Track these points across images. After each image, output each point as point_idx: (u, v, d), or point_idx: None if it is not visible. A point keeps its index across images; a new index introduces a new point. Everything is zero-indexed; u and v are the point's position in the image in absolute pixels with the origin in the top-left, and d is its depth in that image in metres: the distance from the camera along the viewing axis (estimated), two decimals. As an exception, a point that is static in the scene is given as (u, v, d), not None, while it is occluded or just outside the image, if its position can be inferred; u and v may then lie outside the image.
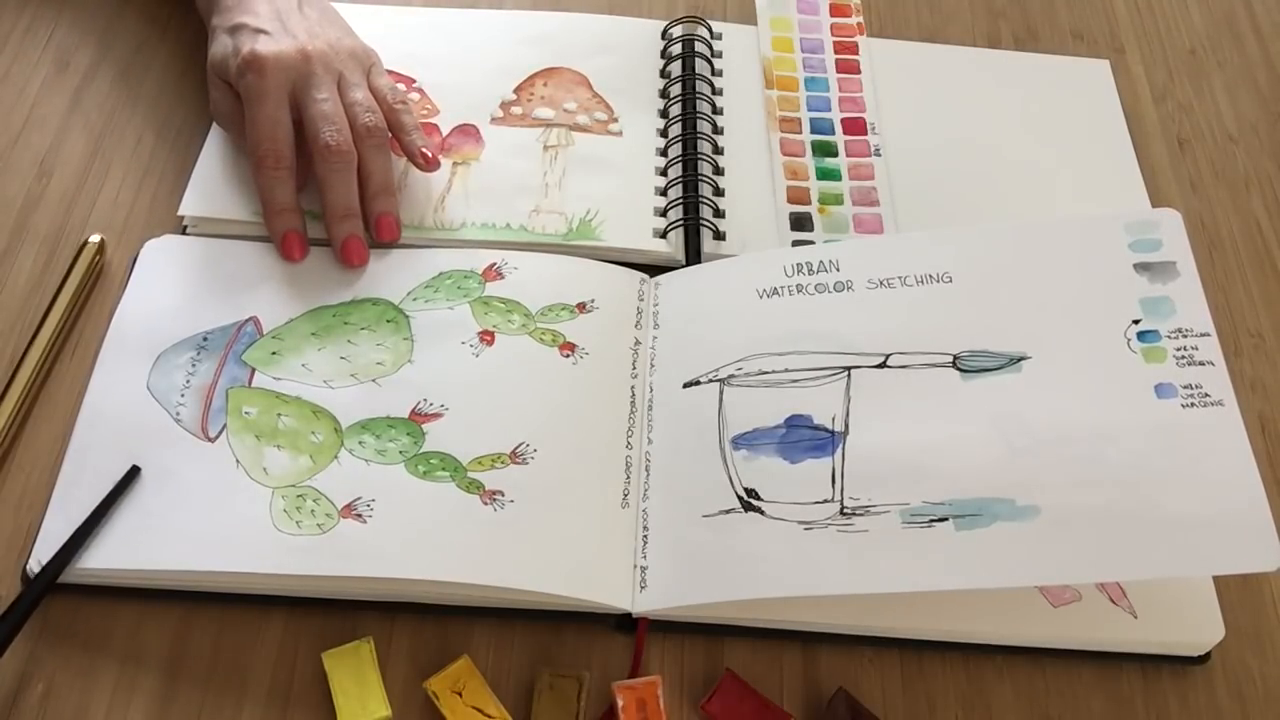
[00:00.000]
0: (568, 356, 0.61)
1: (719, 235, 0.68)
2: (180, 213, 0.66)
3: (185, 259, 0.64)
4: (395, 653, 0.54)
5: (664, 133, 0.73)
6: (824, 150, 0.73)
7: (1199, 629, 0.56)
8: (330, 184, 0.63)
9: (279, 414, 0.58)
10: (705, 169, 0.70)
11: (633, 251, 0.67)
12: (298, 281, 0.63)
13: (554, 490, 0.56)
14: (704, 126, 0.72)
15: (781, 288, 0.62)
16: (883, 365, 0.58)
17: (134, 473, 0.55)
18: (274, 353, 0.60)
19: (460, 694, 0.52)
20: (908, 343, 0.58)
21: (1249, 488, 0.51)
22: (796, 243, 0.68)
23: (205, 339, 0.60)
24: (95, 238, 0.64)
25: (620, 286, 0.65)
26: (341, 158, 0.63)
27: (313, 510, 0.55)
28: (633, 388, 0.61)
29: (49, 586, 0.52)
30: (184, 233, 0.66)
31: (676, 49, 0.76)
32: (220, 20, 0.66)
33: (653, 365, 0.62)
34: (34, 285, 0.64)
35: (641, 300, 0.64)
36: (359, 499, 0.55)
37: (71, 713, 0.52)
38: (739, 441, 0.57)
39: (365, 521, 0.54)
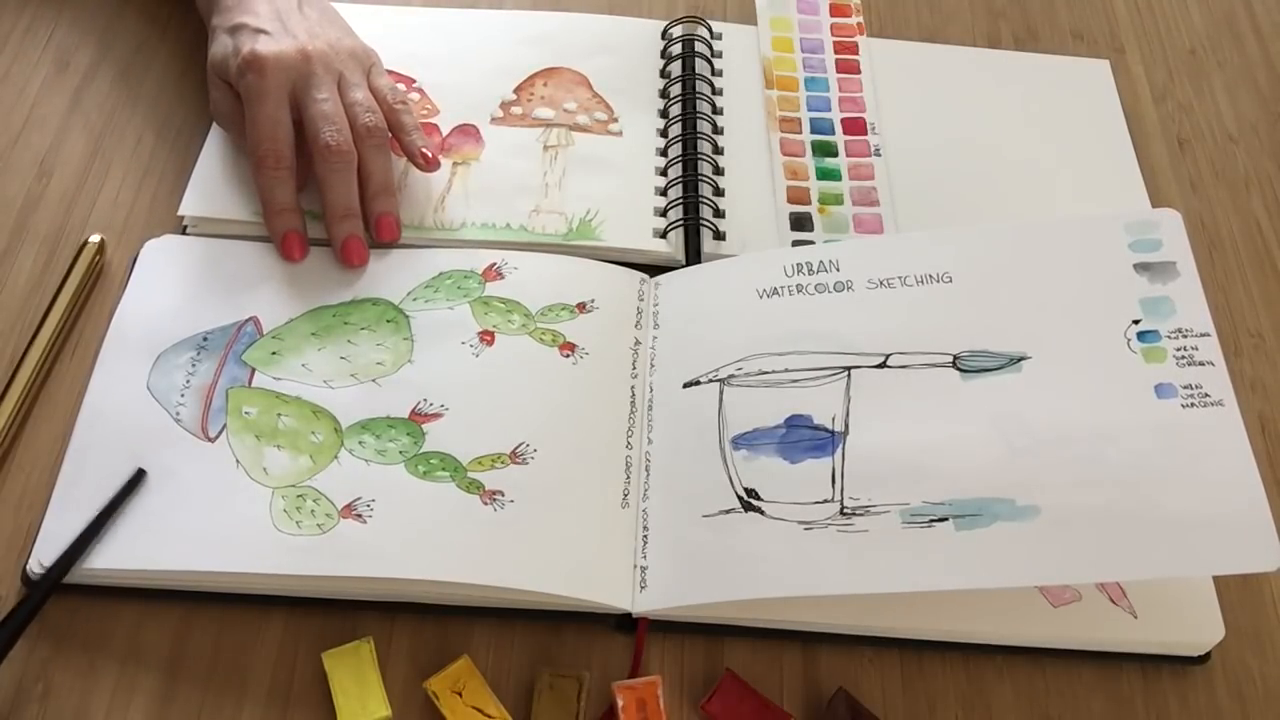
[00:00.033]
0: (568, 356, 0.61)
1: (719, 235, 0.68)
2: (180, 213, 0.66)
3: (185, 259, 0.64)
4: (395, 653, 0.54)
5: (664, 133, 0.73)
6: (824, 150, 0.73)
7: (1199, 629, 0.56)
8: (330, 184, 0.63)
9: (279, 414, 0.58)
10: (705, 169, 0.70)
11: (633, 251, 0.67)
12: (298, 281, 0.63)
13: (554, 490, 0.56)
14: (704, 126, 0.72)
15: (781, 288, 0.62)
16: (883, 365, 0.58)
17: (139, 476, 0.55)
18: (274, 353, 0.60)
19: (460, 694, 0.52)
20: (908, 343, 0.58)
21: (1249, 488, 0.51)
22: (796, 243, 0.68)
23: (205, 339, 0.60)
24: (95, 238, 0.64)
25: (620, 286, 0.65)
26: (341, 158, 0.63)
27: (313, 510, 0.55)
28: (633, 388, 0.61)
29: (52, 590, 0.52)
30: (184, 233, 0.66)
31: (676, 49, 0.76)
32: (220, 20, 0.66)
33: (653, 365, 0.62)
34: (34, 285, 0.64)
35: (641, 300, 0.64)
36: (359, 499, 0.55)
37: (71, 713, 0.52)
38: (739, 441, 0.57)
39: (365, 521, 0.54)
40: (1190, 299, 0.57)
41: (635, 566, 0.55)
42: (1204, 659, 0.57)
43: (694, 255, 0.67)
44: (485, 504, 0.55)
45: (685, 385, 0.60)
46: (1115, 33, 0.83)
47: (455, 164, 0.70)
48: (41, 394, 0.60)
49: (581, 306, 0.63)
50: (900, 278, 0.61)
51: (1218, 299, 0.70)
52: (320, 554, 0.53)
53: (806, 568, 0.53)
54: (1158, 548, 0.51)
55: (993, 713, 0.55)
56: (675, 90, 0.74)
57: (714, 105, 0.74)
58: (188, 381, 0.59)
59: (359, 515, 0.55)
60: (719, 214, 0.69)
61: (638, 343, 0.63)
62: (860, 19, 0.80)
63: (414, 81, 0.73)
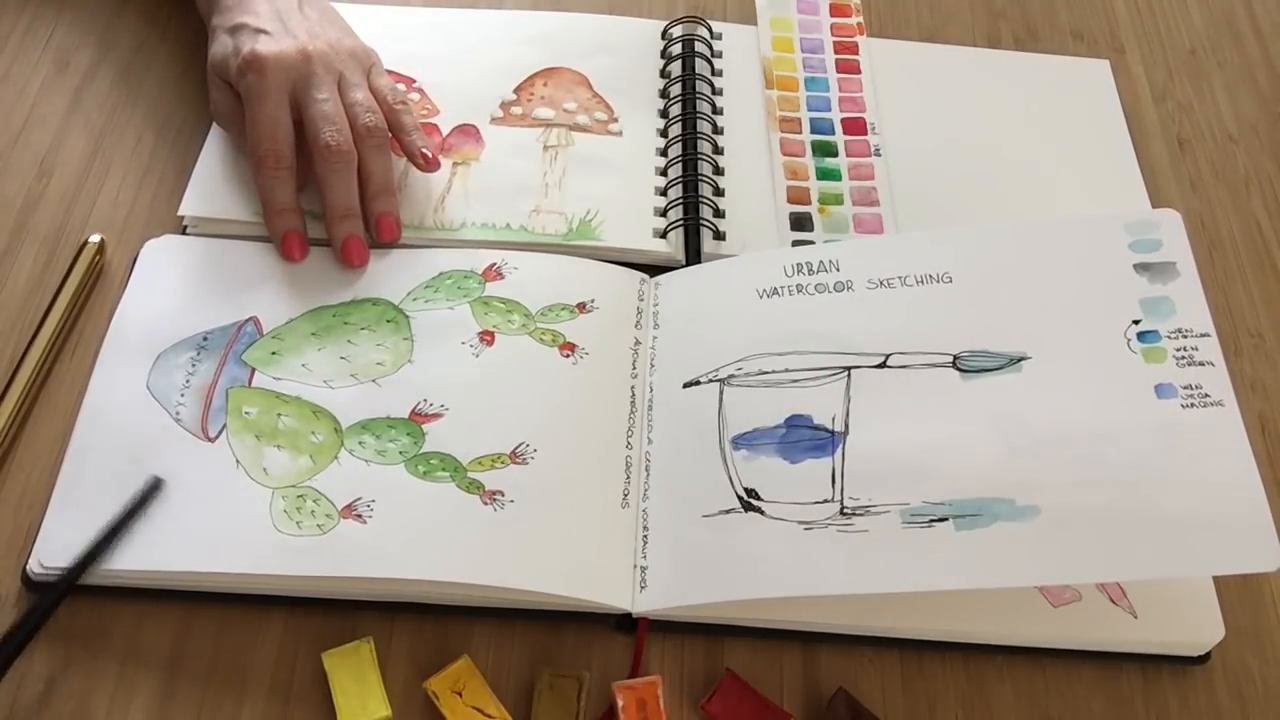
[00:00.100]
0: (568, 356, 0.61)
1: (719, 235, 0.68)
2: (180, 213, 0.66)
3: (185, 259, 0.64)
4: (395, 653, 0.54)
5: (664, 133, 0.73)
6: (824, 150, 0.73)
7: (1199, 629, 0.56)
8: (330, 184, 0.63)
9: (279, 414, 0.58)
10: (705, 169, 0.70)
11: (633, 251, 0.67)
12: (298, 281, 0.63)
13: (554, 490, 0.56)
14: (704, 126, 0.72)
15: (781, 288, 0.62)
16: (883, 365, 0.58)
17: (158, 484, 0.54)
18: (274, 353, 0.60)
19: (460, 694, 0.52)
20: (908, 343, 0.58)
21: (1249, 488, 0.51)
22: (796, 243, 0.68)
23: (205, 339, 0.60)
24: (95, 238, 0.64)
25: (620, 286, 0.65)
26: (342, 158, 0.63)
27: (313, 511, 0.55)
28: (633, 388, 0.61)
29: (63, 598, 0.51)
30: (184, 233, 0.66)
31: (676, 49, 0.76)
32: (220, 20, 0.66)
33: (653, 365, 0.62)
34: (34, 285, 0.64)
35: (641, 300, 0.64)
36: (359, 499, 0.55)
37: (71, 713, 0.52)
38: (739, 441, 0.57)
39: (365, 522, 0.54)
40: (1190, 299, 0.57)
41: (635, 566, 0.55)
42: (1204, 659, 0.57)
43: (694, 255, 0.67)
44: (485, 504, 0.55)
45: (685, 385, 0.60)
46: (1115, 33, 0.83)
47: (455, 164, 0.70)
48: (41, 394, 0.60)
49: (581, 306, 0.63)
50: (900, 278, 0.61)
51: (1218, 299, 0.70)
52: (320, 554, 0.53)
53: (806, 568, 0.53)
54: (1158, 548, 0.51)
55: (993, 713, 0.55)
56: (675, 90, 0.74)
57: (714, 105, 0.74)
58: (188, 381, 0.59)
59: (359, 515, 0.55)
60: (719, 214, 0.69)
61: (638, 343, 0.63)
62: (860, 19, 0.80)
63: (414, 81, 0.73)
